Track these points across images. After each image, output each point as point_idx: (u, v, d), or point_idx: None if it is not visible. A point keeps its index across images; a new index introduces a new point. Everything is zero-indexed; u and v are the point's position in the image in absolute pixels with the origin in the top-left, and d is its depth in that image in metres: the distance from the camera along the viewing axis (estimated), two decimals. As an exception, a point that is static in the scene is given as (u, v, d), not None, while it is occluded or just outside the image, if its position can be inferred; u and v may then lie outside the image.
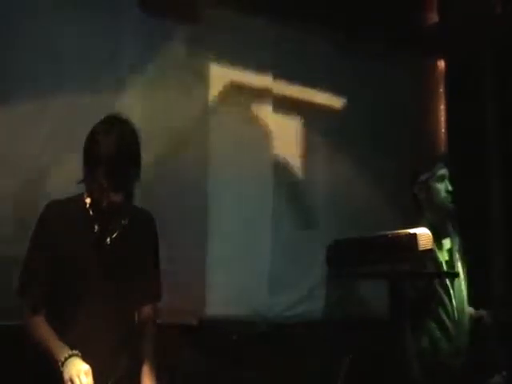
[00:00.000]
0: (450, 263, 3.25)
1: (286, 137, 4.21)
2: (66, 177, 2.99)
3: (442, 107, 4.87)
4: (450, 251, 3.28)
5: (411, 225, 2.28)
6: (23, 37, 3.32)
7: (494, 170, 4.54)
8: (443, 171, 3.29)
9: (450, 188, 3.26)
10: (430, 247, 2.16)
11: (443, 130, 4.86)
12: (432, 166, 3.30)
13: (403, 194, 3.40)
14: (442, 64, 4.93)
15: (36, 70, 3.35)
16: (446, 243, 3.29)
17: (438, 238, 3.19)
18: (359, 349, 3.49)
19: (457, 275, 3.16)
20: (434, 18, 4.78)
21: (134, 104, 3.55)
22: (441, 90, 4.90)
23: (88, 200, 2.33)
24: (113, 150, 2.17)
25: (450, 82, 4.86)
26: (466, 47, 4.62)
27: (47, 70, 3.38)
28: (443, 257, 3.25)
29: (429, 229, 2.12)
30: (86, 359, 2.16)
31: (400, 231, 2.21)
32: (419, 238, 2.14)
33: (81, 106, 3.36)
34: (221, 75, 3.99)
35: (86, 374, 2.10)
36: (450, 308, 3.21)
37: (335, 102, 4.38)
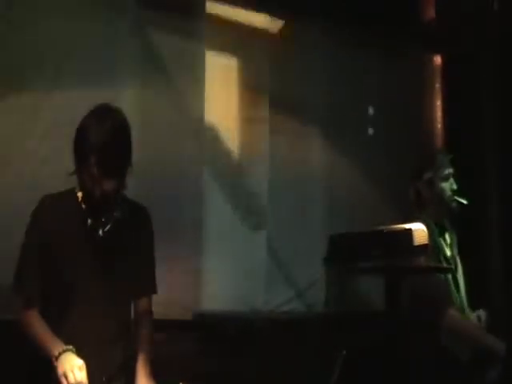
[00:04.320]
0: (453, 258, 3.28)
1: (283, 135, 4.20)
2: (63, 172, 3.00)
3: (439, 103, 4.88)
4: (451, 246, 3.31)
5: (410, 219, 2.29)
6: (22, 34, 3.31)
7: (492, 166, 4.54)
8: (449, 170, 3.33)
9: (454, 187, 3.30)
10: (425, 242, 2.18)
11: (439, 126, 4.86)
12: (435, 163, 3.34)
13: (397, 189, 3.39)
14: (438, 59, 4.94)
15: (35, 67, 3.33)
16: (447, 238, 3.32)
17: (441, 234, 3.26)
18: (355, 344, 3.49)
19: (453, 270, 3.17)
20: (432, 13, 4.79)
21: (132, 99, 3.53)
22: (437, 85, 4.90)
23: (80, 194, 2.33)
24: (103, 138, 2.16)
25: (447, 78, 4.86)
26: (463, 42, 4.61)
27: (45, 67, 3.37)
28: (449, 251, 3.28)
29: (430, 224, 2.10)
30: (80, 354, 2.15)
31: (395, 226, 2.22)
32: (415, 233, 2.16)
33: (79, 104, 3.34)
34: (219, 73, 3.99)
35: (79, 369, 2.10)
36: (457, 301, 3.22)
37: (330, 95, 4.36)
